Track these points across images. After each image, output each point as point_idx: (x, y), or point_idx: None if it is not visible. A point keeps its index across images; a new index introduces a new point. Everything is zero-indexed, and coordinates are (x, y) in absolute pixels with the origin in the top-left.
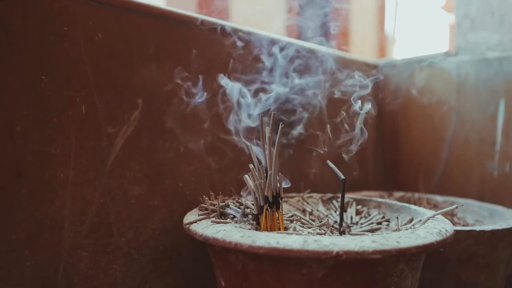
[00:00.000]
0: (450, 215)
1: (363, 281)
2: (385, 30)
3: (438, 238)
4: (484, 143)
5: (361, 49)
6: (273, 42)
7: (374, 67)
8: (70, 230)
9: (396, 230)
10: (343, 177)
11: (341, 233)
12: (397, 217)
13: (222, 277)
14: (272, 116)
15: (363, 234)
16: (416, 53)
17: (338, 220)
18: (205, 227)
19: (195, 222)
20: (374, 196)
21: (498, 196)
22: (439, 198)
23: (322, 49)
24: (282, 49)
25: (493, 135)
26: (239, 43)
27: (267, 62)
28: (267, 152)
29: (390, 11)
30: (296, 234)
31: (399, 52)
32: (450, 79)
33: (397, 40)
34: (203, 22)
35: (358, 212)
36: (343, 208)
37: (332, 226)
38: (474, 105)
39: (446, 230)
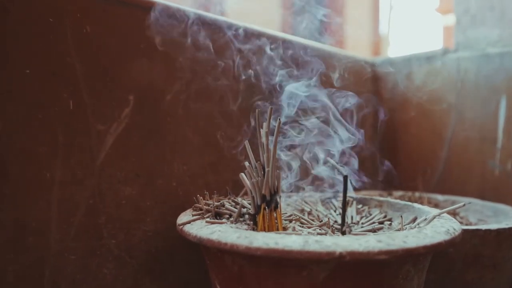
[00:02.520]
0: (452, 215)
1: (367, 284)
2: (379, 32)
3: (447, 237)
4: (485, 141)
5: (356, 49)
6: (277, 40)
7: (372, 64)
8: (57, 233)
9: (399, 230)
10: (345, 173)
11: (343, 233)
12: (401, 216)
13: (218, 280)
14: (270, 111)
15: (365, 234)
16: (412, 52)
17: (338, 220)
18: (199, 228)
19: (188, 222)
20: (373, 195)
21: (500, 195)
22: (440, 197)
23: (318, 45)
24: (280, 46)
25: (494, 133)
26: (238, 38)
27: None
28: (264, 148)
29: (384, 13)
30: (296, 234)
31: (393, 53)
32: (450, 76)
33: (391, 42)
34: (196, 16)
35: (358, 212)
36: (345, 206)
37: (332, 226)
38: (474, 102)
39: (454, 229)
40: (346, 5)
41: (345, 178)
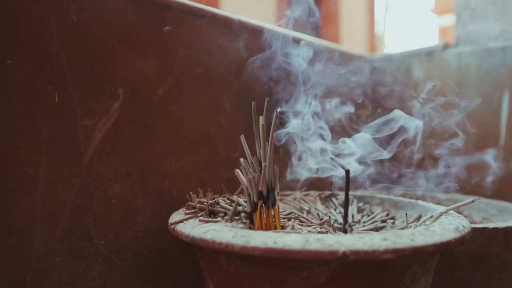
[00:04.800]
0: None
1: (371, 285)
2: (374, 32)
3: (456, 235)
4: (487, 138)
5: (351, 46)
6: (270, 33)
7: (371, 60)
8: (41, 234)
9: (403, 228)
10: (346, 167)
11: (345, 231)
12: (406, 214)
13: (212, 282)
14: (266, 103)
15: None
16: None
17: (338, 219)
18: (192, 227)
19: (181, 221)
20: (373, 193)
21: (502, 193)
22: (441, 196)
23: (316, 41)
24: (276, 41)
25: (497, 129)
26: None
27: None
28: (261, 142)
29: (380, 14)
30: (295, 232)
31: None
32: (450, 71)
33: (386, 43)
34: (190, 8)
35: (359, 210)
36: (348, 202)
37: (333, 225)
38: (476, 98)
39: (464, 226)
40: (342, 5)
41: (347, 173)
